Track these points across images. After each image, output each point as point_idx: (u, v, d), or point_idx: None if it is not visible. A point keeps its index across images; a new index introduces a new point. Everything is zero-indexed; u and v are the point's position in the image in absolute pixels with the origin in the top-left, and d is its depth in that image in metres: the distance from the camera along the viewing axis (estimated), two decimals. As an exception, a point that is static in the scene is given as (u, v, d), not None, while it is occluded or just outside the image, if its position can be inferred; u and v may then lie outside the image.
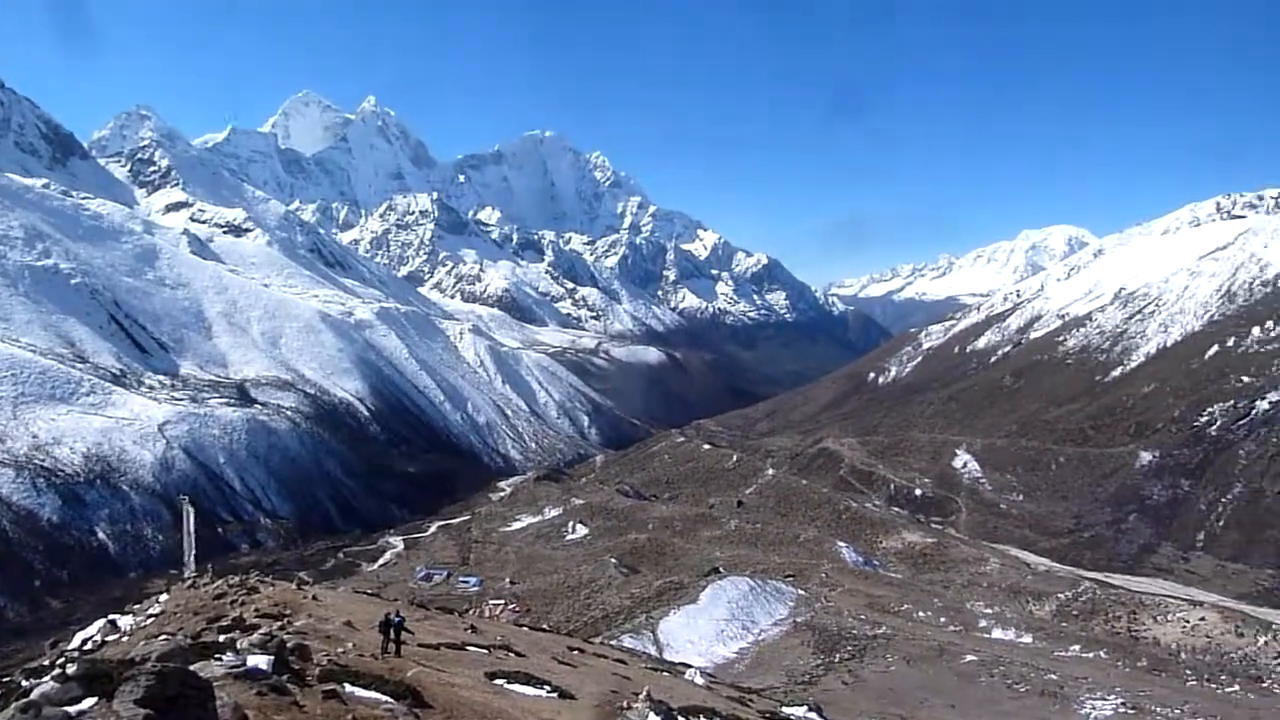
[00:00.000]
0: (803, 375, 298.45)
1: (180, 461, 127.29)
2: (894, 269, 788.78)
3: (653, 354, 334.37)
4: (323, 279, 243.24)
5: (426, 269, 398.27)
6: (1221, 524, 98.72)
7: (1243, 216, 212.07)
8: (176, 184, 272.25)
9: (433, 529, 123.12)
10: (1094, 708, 41.70)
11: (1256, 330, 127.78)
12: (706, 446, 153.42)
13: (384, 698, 13.24)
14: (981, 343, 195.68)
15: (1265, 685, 54.85)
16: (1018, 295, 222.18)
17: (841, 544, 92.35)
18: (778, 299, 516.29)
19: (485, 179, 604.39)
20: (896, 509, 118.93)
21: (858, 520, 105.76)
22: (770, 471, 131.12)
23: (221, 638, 15.06)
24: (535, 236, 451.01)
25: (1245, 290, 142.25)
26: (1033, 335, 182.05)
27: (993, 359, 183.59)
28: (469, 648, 23.45)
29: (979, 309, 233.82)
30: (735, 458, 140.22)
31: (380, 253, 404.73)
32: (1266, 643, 60.81)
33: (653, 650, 52.28)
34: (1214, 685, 52.24)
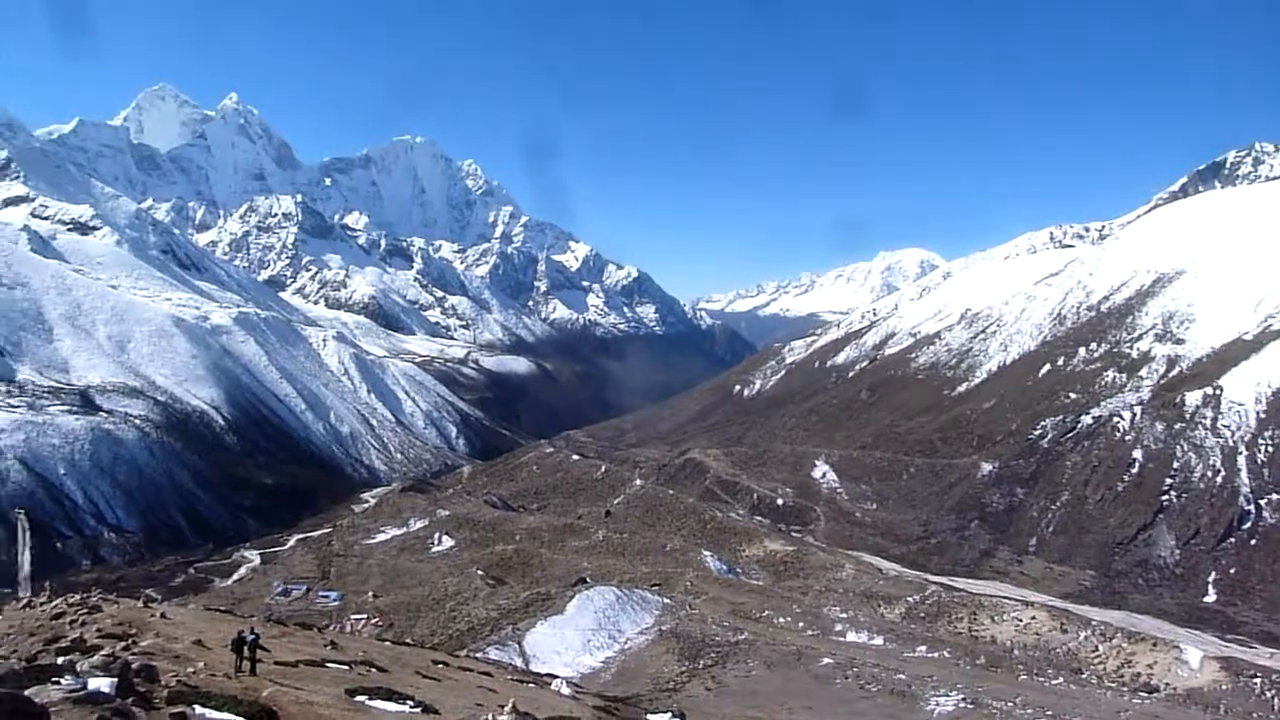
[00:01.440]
0: (671, 387, 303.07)
1: (15, 473, 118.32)
2: (759, 285, 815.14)
3: (523, 364, 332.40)
4: (177, 281, 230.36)
5: (289, 273, 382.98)
6: (1050, 529, 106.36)
7: (1072, 246, 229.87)
8: (16, 177, 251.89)
9: (291, 542, 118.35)
10: (938, 704, 44.16)
11: (1083, 350, 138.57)
12: (575, 457, 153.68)
13: (237, 719, 12.90)
14: (841, 358, 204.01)
15: (1084, 676, 59.48)
16: (874, 314, 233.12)
17: (706, 553, 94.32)
18: (647, 312, 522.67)
19: (353, 183, 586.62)
20: (759, 518, 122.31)
21: (722, 529, 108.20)
22: (638, 482, 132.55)
23: (60, 660, 14.26)
24: (404, 243, 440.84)
25: (1074, 313, 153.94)
26: (887, 352, 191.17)
27: (851, 374, 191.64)
28: (329, 664, 22.89)
29: (839, 326, 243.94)
30: (604, 468, 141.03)
31: (240, 256, 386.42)
32: (1086, 637, 65.86)
33: (519, 662, 52.04)
34: (1042, 679, 56.18)
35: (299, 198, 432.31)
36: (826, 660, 53.07)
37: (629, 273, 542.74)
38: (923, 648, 62.27)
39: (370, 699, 17.56)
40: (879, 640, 64.17)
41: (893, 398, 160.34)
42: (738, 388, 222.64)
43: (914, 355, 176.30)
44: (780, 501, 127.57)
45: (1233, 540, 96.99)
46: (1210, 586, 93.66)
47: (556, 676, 42.52)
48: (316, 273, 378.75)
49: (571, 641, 57.66)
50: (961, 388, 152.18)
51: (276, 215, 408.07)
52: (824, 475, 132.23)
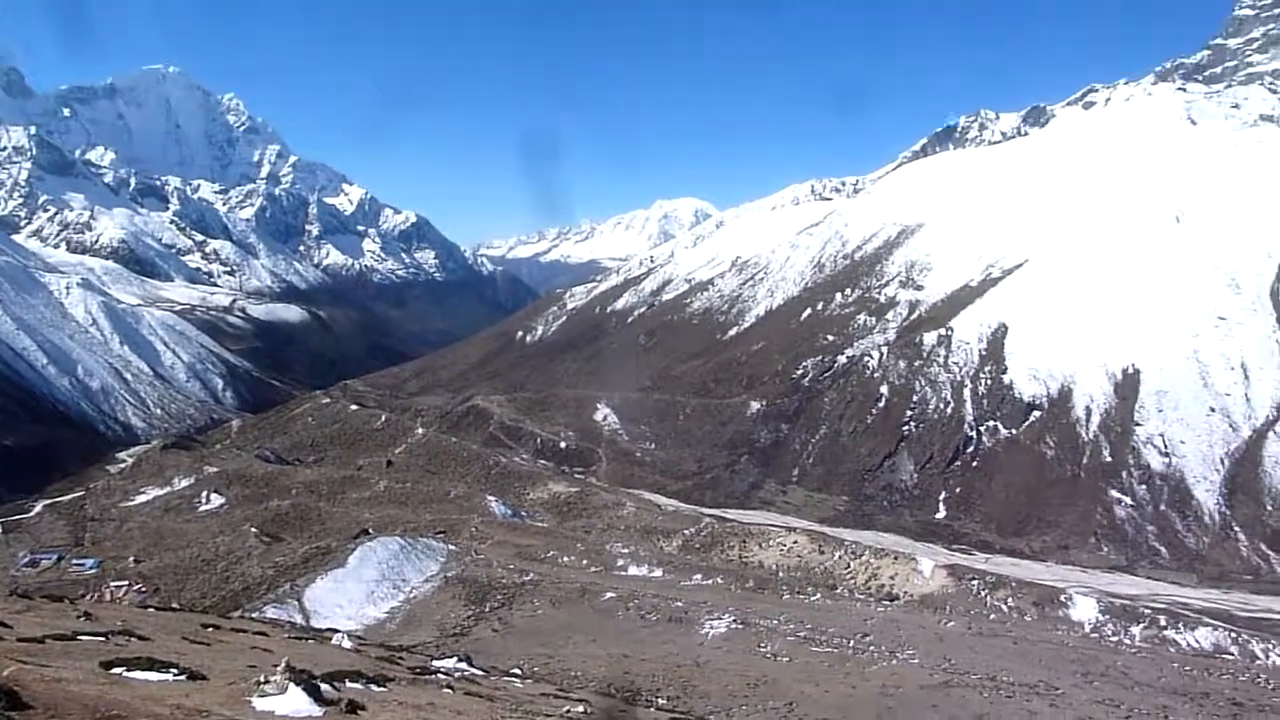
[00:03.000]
0: (452, 334, 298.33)
1: None
2: (540, 232, 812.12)
3: (295, 312, 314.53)
4: None
5: (23, 214, 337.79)
6: (811, 461, 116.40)
7: (830, 199, 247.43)
8: None
9: (38, 509, 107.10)
10: (711, 626, 48.24)
11: (839, 296, 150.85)
12: (354, 407, 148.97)
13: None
14: (620, 304, 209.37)
15: (838, 591, 66.61)
16: (652, 261, 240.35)
17: (491, 498, 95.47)
18: (427, 258, 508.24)
19: (96, 115, 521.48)
20: (543, 462, 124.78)
21: (506, 474, 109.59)
22: (420, 431, 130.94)
23: None
24: (158, 182, 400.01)
25: (831, 262, 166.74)
26: (665, 298, 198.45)
27: (630, 319, 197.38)
28: (81, 637, 21.84)
29: (618, 273, 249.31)
30: (384, 418, 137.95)
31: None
32: (840, 557, 73.44)
33: (299, 619, 51.19)
34: (802, 596, 62.37)
35: (32, 130, 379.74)
36: (609, 594, 56.09)
37: (407, 217, 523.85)
38: (698, 576, 67.02)
39: (129, 670, 16.94)
40: (658, 572, 68.30)
41: (670, 342, 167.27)
42: (520, 334, 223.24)
43: (689, 301, 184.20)
44: (563, 445, 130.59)
45: (959, 463, 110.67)
46: (941, 504, 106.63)
47: (338, 630, 42.45)
48: (56, 213, 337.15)
49: (354, 594, 57.25)
50: (733, 332, 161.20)
51: (6, 149, 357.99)
52: (605, 418, 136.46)
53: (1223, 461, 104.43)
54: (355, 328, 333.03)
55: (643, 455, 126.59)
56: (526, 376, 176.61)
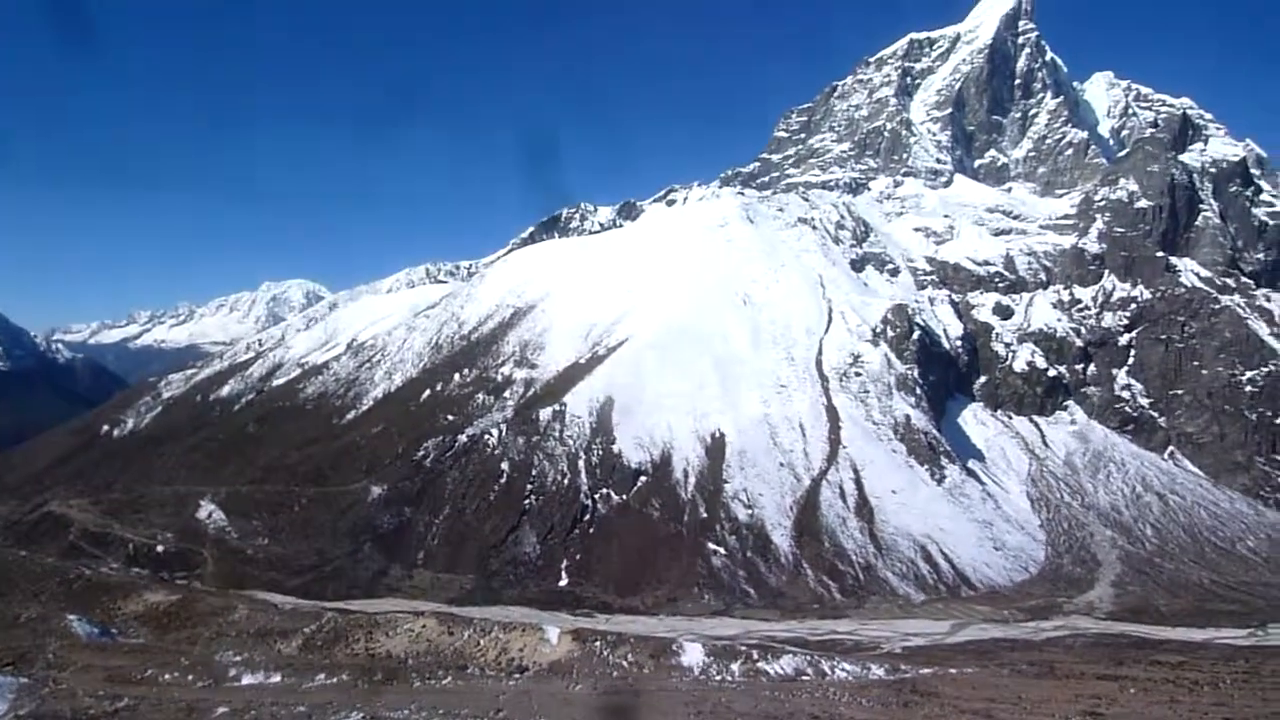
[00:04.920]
0: (21, 432, 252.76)
1: None
2: (130, 314, 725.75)
3: None
4: None
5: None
6: (436, 542, 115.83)
7: (445, 281, 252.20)
8: None
9: None
10: (339, 726, 46.16)
11: (458, 376, 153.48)
12: None
13: None
14: (225, 391, 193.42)
15: (469, 671, 66.95)
16: (260, 344, 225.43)
17: (72, 617, 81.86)
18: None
19: None
20: (138, 569, 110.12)
21: (92, 588, 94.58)
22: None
23: None
24: None
25: (449, 343, 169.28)
26: (275, 383, 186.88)
27: (236, 407, 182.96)
28: None
29: (222, 358, 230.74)
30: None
31: None
32: (470, 635, 73.77)
33: None
34: (433, 681, 61.85)
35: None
36: (221, 710, 51.18)
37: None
38: (322, 675, 63.34)
39: None
40: (277, 677, 63.53)
41: (282, 429, 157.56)
42: (107, 428, 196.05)
43: (302, 385, 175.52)
44: (161, 549, 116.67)
45: (577, 531, 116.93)
46: (564, 572, 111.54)
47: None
48: None
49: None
50: (350, 415, 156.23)
51: None
52: (210, 515, 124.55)
53: (792, 509, 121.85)
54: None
55: (255, 552, 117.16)
56: (116, 475, 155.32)
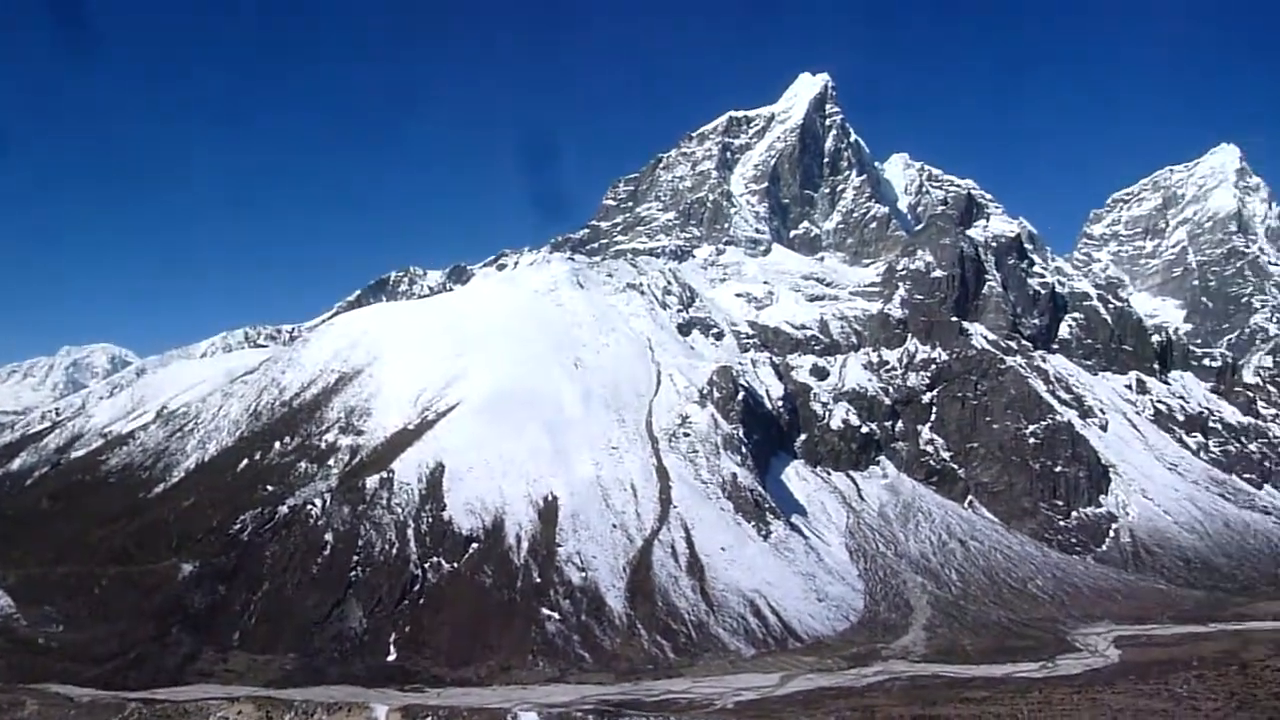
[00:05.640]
0: None
1: None
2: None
3: None
4: None
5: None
6: (253, 621, 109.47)
7: (266, 346, 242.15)
8: None
9: None
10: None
11: (278, 444, 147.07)
12: None
13: None
14: (16, 465, 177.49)
15: (291, 755, 64.08)
16: (58, 413, 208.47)
17: None
18: None
19: None
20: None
21: None
22: None
23: None
24: None
25: (269, 410, 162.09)
26: (74, 455, 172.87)
27: (29, 481, 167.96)
28: None
29: (14, 428, 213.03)
30: None
31: None
32: (292, 719, 70.78)
33: None
34: (250, 768, 58.83)
35: None
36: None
37: None
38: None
39: None
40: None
41: (82, 505, 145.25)
42: None
43: (105, 457, 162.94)
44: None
45: (406, 603, 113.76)
46: (392, 646, 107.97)
47: None
48: None
49: None
50: (159, 488, 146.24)
51: None
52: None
53: (625, 570, 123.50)
54: None
55: (48, 641, 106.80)
56: None
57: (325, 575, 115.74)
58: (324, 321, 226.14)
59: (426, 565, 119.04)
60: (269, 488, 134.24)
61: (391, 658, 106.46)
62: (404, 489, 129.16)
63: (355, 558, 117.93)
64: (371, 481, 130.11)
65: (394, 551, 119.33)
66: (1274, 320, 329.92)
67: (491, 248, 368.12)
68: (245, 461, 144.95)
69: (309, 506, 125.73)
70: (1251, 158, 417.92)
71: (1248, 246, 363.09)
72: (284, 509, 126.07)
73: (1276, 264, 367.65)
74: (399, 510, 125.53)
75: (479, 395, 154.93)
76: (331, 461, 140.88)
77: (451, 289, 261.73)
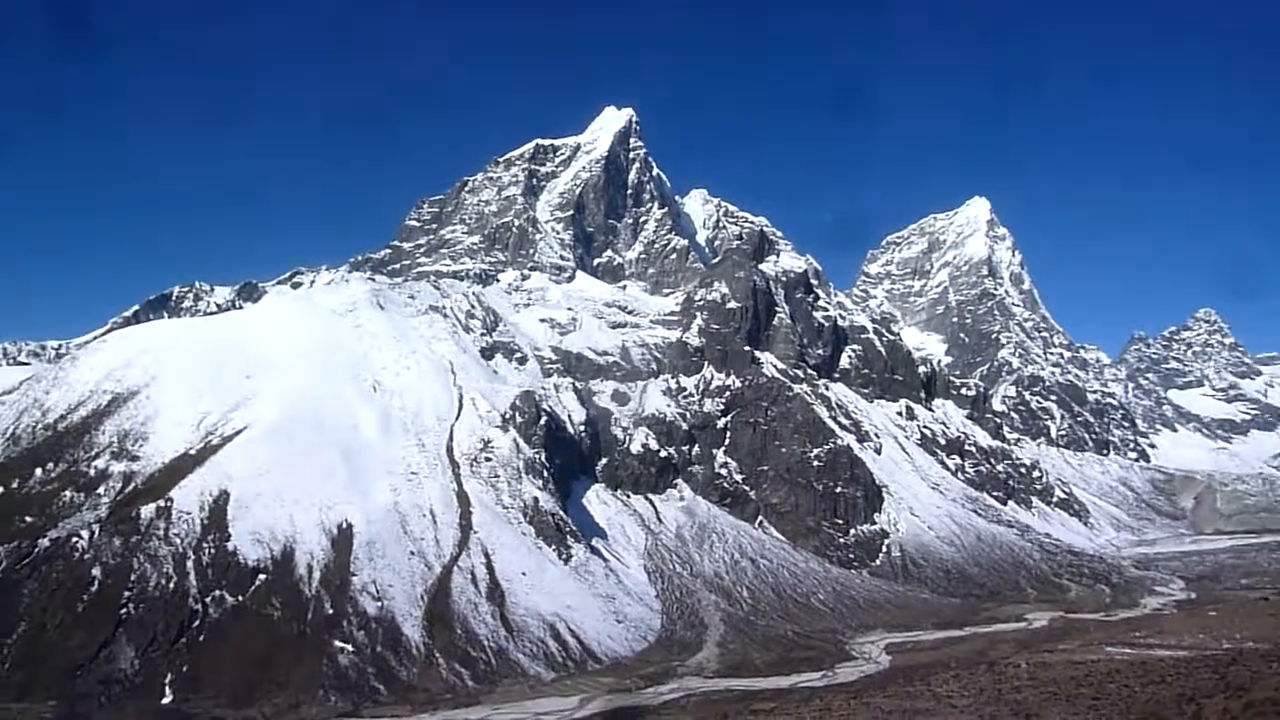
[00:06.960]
0: None
1: None
2: None
3: None
4: None
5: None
6: (8, 666, 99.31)
7: (28, 364, 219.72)
8: None
9: None
10: None
11: (39, 471, 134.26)
12: None
13: None
14: None
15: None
16: None
17: None
18: None
19: None
20: None
21: None
22: None
23: None
24: None
25: (29, 434, 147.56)
26: None
27: None
28: None
29: None
30: None
31: None
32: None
33: None
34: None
35: None
36: None
37: None
38: None
39: None
40: None
41: None
42: None
43: None
44: None
45: (185, 640, 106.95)
46: (168, 687, 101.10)
47: None
48: None
49: None
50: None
51: None
52: None
53: (423, 598, 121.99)
54: None
55: None
56: None
57: (92, 613, 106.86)
58: (96, 338, 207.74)
59: (208, 599, 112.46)
60: (28, 519, 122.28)
61: (167, 700, 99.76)
62: (184, 518, 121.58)
63: (127, 593, 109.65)
64: (147, 511, 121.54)
65: (171, 586, 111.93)
66: (1016, 355, 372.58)
67: (286, 265, 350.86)
68: (1, 490, 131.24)
69: (74, 539, 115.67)
70: (1002, 208, 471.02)
71: (996, 289, 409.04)
72: (45, 542, 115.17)
73: (1019, 305, 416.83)
74: (178, 541, 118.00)
75: (269, 419, 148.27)
76: (102, 490, 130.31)
77: (241, 307, 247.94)
